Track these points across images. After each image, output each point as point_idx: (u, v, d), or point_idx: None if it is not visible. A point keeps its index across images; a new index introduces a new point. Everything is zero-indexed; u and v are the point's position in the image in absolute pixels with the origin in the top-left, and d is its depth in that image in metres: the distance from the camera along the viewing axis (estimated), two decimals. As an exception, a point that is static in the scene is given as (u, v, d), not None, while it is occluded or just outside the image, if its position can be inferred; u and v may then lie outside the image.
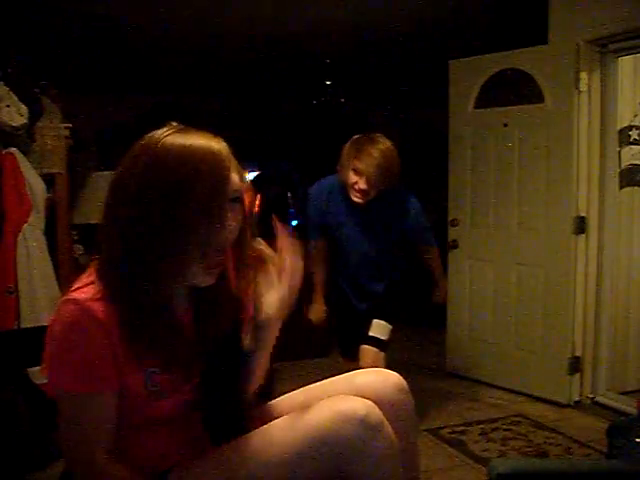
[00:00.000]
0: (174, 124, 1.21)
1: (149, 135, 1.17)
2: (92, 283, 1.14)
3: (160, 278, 1.13)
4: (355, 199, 2.82)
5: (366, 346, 2.90)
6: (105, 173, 4.44)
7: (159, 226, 1.09)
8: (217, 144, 1.16)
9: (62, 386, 1.12)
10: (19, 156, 2.83)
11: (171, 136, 1.15)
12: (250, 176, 5.93)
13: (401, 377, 1.35)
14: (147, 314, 1.14)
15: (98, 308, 1.11)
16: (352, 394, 1.24)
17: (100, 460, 1.13)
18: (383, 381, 1.32)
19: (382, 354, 2.91)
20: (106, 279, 1.14)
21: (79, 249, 4.08)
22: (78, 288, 1.14)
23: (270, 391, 1.51)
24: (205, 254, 1.14)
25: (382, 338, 2.92)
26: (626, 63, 3.52)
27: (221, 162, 1.14)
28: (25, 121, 2.83)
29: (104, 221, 1.16)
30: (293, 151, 5.97)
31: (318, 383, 1.44)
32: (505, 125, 3.81)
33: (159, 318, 1.15)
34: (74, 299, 1.11)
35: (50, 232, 3.01)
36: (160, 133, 1.16)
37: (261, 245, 1.30)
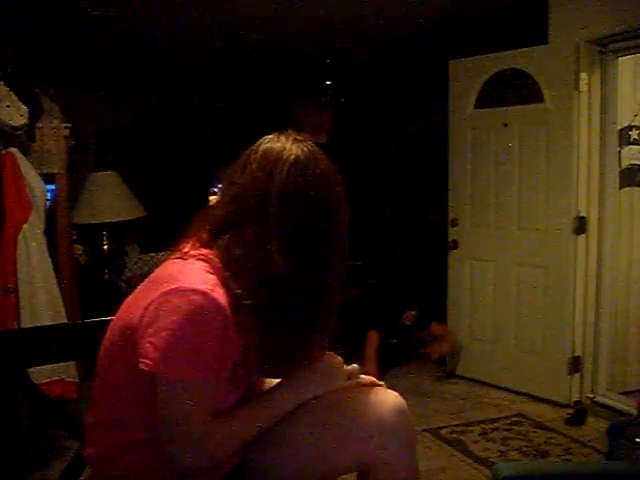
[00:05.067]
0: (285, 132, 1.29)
1: (276, 148, 1.23)
2: (205, 271, 1.16)
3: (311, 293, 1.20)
4: None
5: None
6: (105, 173, 4.45)
7: (315, 244, 1.20)
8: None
9: (180, 374, 1.11)
10: (19, 156, 2.82)
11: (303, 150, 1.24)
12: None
13: (400, 397, 1.32)
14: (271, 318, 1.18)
15: (221, 299, 1.13)
16: (347, 413, 1.26)
17: (206, 435, 1.15)
18: (382, 401, 1.29)
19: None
20: (243, 279, 1.17)
21: (79, 249, 4.09)
22: (186, 278, 1.14)
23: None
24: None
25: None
26: (626, 63, 3.52)
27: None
28: (25, 121, 2.83)
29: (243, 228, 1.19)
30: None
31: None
32: (505, 125, 3.81)
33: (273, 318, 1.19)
34: (196, 289, 1.11)
35: (50, 232, 3.01)
36: (290, 147, 1.24)
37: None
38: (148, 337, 1.11)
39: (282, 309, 1.18)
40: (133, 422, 1.21)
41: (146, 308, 1.14)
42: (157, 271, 1.24)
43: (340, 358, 1.37)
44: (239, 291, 1.16)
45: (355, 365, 1.40)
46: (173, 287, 1.12)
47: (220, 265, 1.19)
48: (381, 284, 4.74)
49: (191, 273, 1.15)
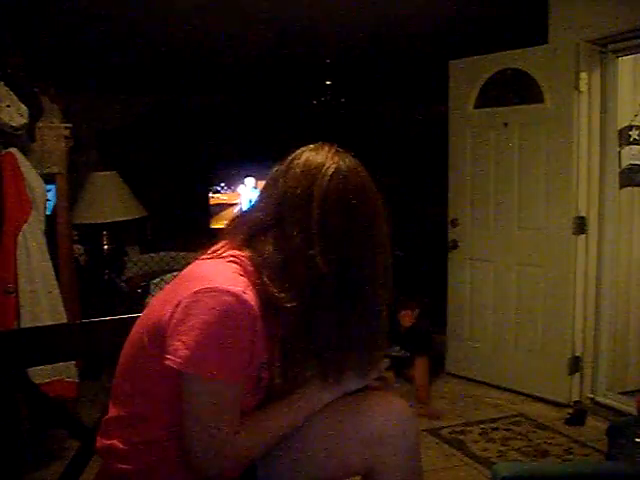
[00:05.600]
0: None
1: (319, 157, 1.28)
2: (237, 272, 1.17)
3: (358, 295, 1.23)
4: None
5: None
6: (105, 173, 4.45)
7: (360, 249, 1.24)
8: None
9: (209, 374, 1.12)
10: (19, 156, 2.82)
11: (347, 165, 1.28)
12: (248, 181, 5.92)
13: (406, 403, 1.32)
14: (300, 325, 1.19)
15: (253, 301, 1.14)
16: (353, 418, 1.26)
17: (232, 440, 1.16)
18: (388, 408, 1.28)
19: None
20: (283, 279, 1.18)
21: (79, 249, 4.09)
22: (219, 278, 1.15)
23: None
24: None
25: None
26: (626, 63, 3.52)
27: None
28: (25, 121, 2.83)
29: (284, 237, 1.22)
30: (292, 151, 5.96)
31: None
32: (505, 125, 3.81)
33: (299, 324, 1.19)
34: (228, 290, 1.12)
35: (50, 232, 3.01)
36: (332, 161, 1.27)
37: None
38: (178, 335, 1.12)
39: (325, 312, 1.20)
40: (156, 420, 1.21)
41: (177, 305, 1.14)
42: (188, 269, 1.25)
43: None
44: (279, 293, 1.17)
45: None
46: (205, 287, 1.13)
47: (251, 268, 1.20)
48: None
49: (223, 274, 1.17)
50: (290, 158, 1.30)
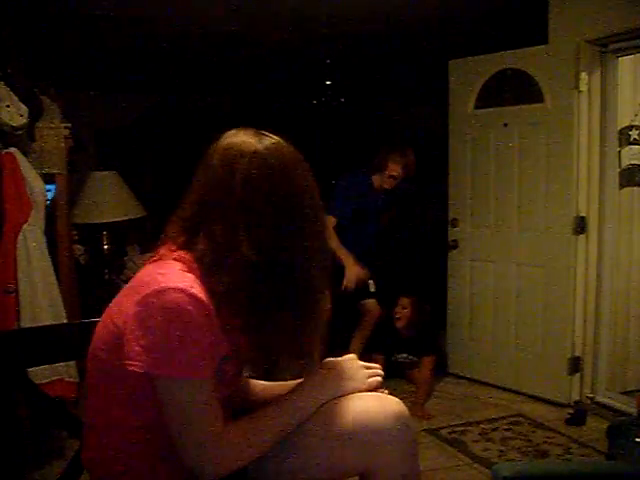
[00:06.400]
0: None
1: (236, 142, 1.24)
2: (181, 270, 1.17)
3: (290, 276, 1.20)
4: (386, 186, 3.87)
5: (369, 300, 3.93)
6: (105, 173, 4.45)
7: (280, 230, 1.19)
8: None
9: (174, 375, 1.13)
10: (19, 156, 2.82)
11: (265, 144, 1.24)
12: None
13: (401, 403, 1.30)
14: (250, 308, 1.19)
15: (201, 294, 1.14)
16: (349, 419, 1.24)
17: (218, 441, 1.15)
18: (382, 408, 1.27)
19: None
20: (219, 272, 1.17)
21: (79, 249, 4.09)
22: (165, 278, 1.15)
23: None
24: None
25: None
26: (626, 63, 3.52)
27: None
28: (25, 121, 2.82)
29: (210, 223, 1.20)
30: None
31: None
32: (505, 125, 3.81)
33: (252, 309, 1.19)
34: (175, 288, 1.12)
35: (50, 232, 3.01)
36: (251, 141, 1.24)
37: None
38: (136, 339, 1.12)
39: (259, 301, 1.19)
40: (126, 424, 1.21)
41: (128, 313, 1.15)
42: (136, 276, 1.24)
43: (359, 362, 1.36)
44: (220, 288, 1.17)
45: (377, 365, 1.39)
46: (153, 289, 1.13)
47: (195, 264, 1.20)
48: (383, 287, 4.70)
49: (168, 273, 1.17)
50: (210, 150, 1.26)
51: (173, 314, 1.11)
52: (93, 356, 1.25)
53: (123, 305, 1.19)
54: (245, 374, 1.47)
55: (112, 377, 1.19)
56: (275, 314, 1.20)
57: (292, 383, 1.36)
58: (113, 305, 1.25)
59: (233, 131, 1.27)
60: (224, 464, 1.17)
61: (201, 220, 1.22)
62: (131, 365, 1.11)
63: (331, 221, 3.67)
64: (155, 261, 1.23)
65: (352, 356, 1.39)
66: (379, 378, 1.35)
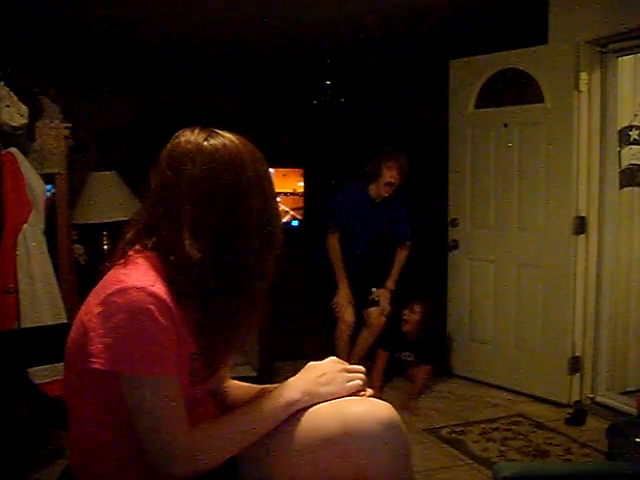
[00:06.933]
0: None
1: (182, 143, 1.24)
2: (144, 270, 1.19)
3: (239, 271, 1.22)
4: (385, 194, 3.81)
5: (373, 309, 3.91)
6: (105, 173, 4.44)
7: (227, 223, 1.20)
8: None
9: (136, 372, 1.14)
10: (19, 156, 2.82)
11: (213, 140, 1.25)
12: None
13: (392, 408, 1.27)
14: (209, 304, 1.20)
15: (162, 292, 1.16)
16: (340, 423, 1.23)
17: (183, 440, 1.16)
18: (373, 413, 1.24)
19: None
20: (174, 271, 1.19)
21: (79, 249, 4.08)
22: (127, 277, 1.16)
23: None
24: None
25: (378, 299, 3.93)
26: (626, 63, 3.52)
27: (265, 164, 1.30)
28: (25, 121, 2.82)
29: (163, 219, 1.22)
30: (292, 151, 5.97)
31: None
32: (505, 125, 3.81)
33: (216, 305, 1.21)
34: (135, 286, 1.14)
35: (50, 232, 3.01)
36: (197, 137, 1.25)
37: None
38: (99, 337, 1.14)
39: (208, 298, 1.20)
40: (99, 423, 1.22)
41: (93, 312, 1.17)
42: (104, 277, 1.25)
43: (341, 365, 1.35)
44: (179, 286, 1.19)
45: (361, 369, 1.38)
46: (115, 288, 1.15)
47: (158, 264, 1.22)
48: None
49: (131, 273, 1.18)
50: (161, 152, 1.27)
51: (134, 312, 1.13)
52: (67, 355, 1.27)
53: (90, 304, 1.21)
54: (228, 375, 1.48)
55: (83, 376, 1.21)
56: (222, 305, 1.22)
57: (272, 386, 1.36)
58: (84, 305, 1.26)
59: (181, 131, 1.28)
60: (191, 464, 1.17)
61: (155, 222, 1.24)
62: (94, 363, 1.13)
63: (334, 238, 3.81)
64: (122, 263, 1.24)
65: (333, 359, 1.38)
66: (359, 382, 1.33)
